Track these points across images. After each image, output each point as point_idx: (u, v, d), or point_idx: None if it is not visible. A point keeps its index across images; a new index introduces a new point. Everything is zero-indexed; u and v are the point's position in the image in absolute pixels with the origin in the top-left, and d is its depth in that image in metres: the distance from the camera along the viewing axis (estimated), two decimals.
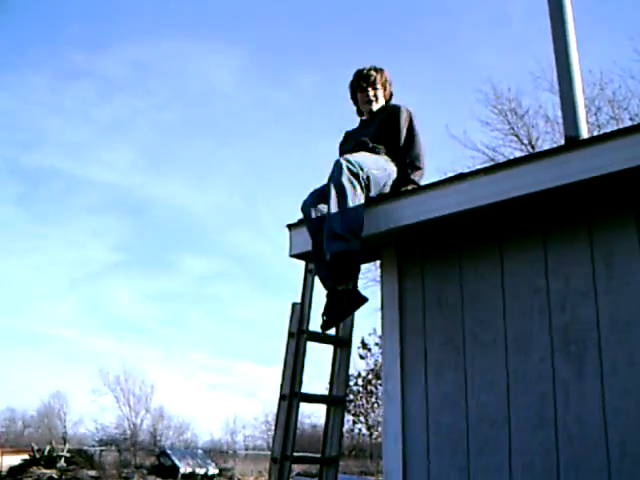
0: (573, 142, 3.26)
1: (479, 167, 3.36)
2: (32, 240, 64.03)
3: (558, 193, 3.03)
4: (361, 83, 4.18)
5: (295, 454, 3.77)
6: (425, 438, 3.37)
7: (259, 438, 49.59)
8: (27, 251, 64.62)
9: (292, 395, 3.74)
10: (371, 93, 4.17)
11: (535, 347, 3.13)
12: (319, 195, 3.75)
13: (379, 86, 4.19)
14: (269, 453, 3.91)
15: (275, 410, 3.82)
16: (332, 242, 3.42)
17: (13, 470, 24.02)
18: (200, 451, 31.27)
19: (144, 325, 69.58)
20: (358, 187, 3.53)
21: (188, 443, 44.31)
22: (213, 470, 28.15)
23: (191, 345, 68.59)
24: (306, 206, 3.77)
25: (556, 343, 3.08)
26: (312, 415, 41.94)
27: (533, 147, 17.83)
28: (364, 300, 3.53)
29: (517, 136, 18.06)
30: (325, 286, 3.58)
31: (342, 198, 3.48)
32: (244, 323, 70.01)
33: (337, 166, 3.57)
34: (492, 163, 3.16)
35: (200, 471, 28.25)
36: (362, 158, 3.69)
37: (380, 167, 3.74)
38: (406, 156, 3.91)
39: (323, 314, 3.48)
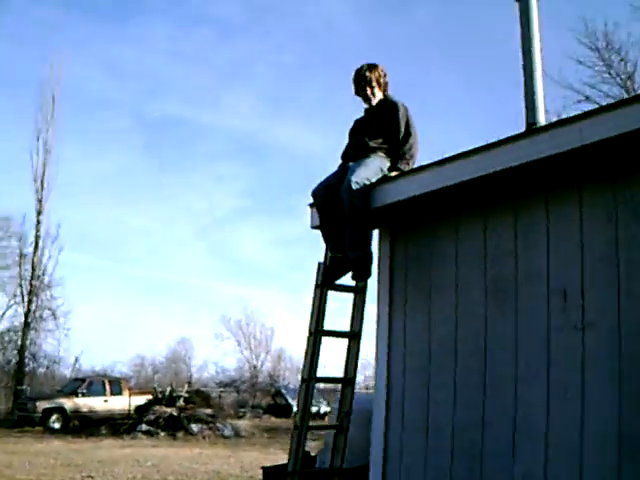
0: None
1: (433, 161, 4.55)
2: (159, 190, 67.18)
3: (492, 180, 4.26)
4: (360, 84, 5.47)
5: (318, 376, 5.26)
6: (402, 362, 4.78)
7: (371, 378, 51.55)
8: (154, 201, 67.86)
9: (316, 332, 5.20)
10: (368, 92, 5.46)
11: (474, 293, 4.44)
12: (325, 186, 5.12)
13: (374, 84, 5.46)
14: None
15: None
16: (352, 251, 4.84)
17: (139, 408, 26.99)
18: (315, 390, 33.62)
19: (267, 270, 72.36)
20: (365, 200, 4.85)
21: None
22: (325, 408, 30.11)
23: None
24: (316, 196, 5.16)
25: (488, 291, 4.37)
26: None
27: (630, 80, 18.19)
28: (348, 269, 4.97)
29: (610, 73, 18.52)
30: (330, 253, 5.02)
31: (355, 215, 4.84)
32: None
33: (349, 189, 4.87)
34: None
35: (313, 409, 30.37)
36: (365, 172, 4.97)
37: (377, 171, 5.03)
38: (400, 148, 5.19)
39: (323, 273, 4.93)
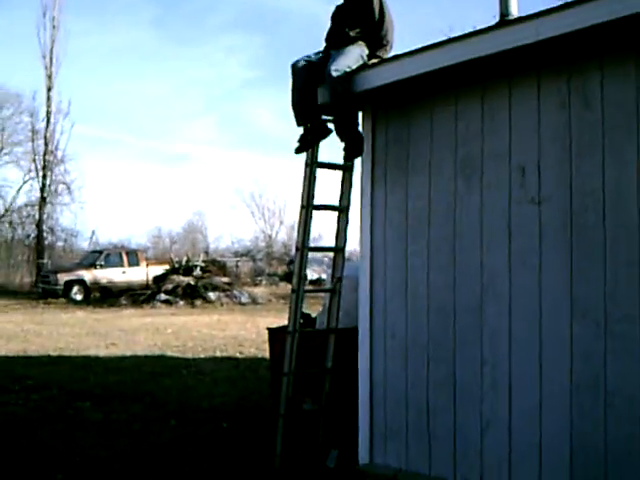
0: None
1: (409, 49, 4.99)
2: (169, 61, 66.83)
3: (463, 68, 4.72)
4: None
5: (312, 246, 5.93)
6: (383, 232, 5.42)
7: None
8: (165, 72, 67.77)
9: (308, 206, 5.81)
10: None
11: (446, 170, 5.02)
12: (306, 66, 5.62)
13: None
14: None
15: None
16: (342, 134, 5.50)
17: (157, 278, 28.15)
18: (326, 259, 34.47)
19: (279, 141, 72.65)
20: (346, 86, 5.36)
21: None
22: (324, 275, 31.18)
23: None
24: (295, 74, 5.66)
25: (458, 168, 4.93)
26: None
27: None
28: (327, 132, 5.58)
29: None
30: (297, 123, 5.68)
31: (337, 101, 5.39)
32: None
33: (330, 77, 5.33)
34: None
35: (325, 276, 31.44)
36: (345, 60, 5.41)
37: (357, 58, 5.47)
38: (376, 34, 5.62)
39: (297, 141, 5.55)
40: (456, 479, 4.90)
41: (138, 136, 68.98)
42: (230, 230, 79.12)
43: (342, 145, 5.55)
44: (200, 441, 6.86)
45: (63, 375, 10.62)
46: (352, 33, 5.67)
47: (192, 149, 73.20)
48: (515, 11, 5.07)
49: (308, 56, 5.77)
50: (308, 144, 5.71)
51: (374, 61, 5.48)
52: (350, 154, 5.58)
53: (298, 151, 5.75)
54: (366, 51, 5.56)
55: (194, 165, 73.11)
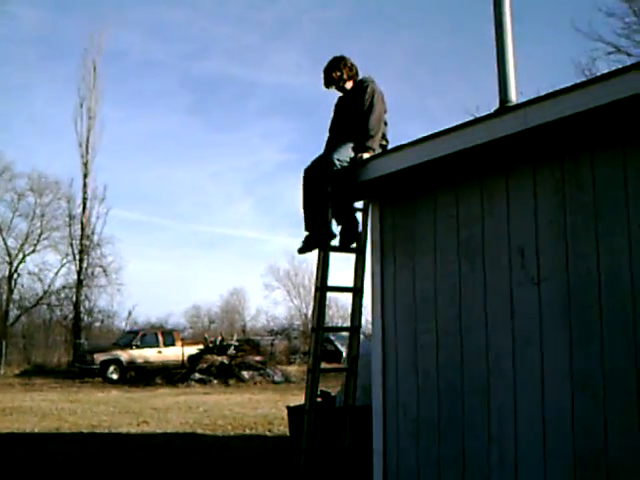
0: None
1: (410, 140, 5.30)
2: (207, 147, 68.69)
3: (463, 156, 5.00)
4: (329, 85, 6.39)
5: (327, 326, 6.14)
6: (393, 310, 5.63)
7: None
8: (201, 158, 69.46)
9: (322, 288, 6.06)
10: (339, 86, 6.39)
11: (450, 253, 5.25)
12: (307, 170, 6.02)
13: (345, 76, 6.32)
14: None
15: None
16: (338, 222, 6.06)
17: (192, 357, 28.46)
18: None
19: None
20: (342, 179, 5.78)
21: None
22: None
23: None
24: (305, 170, 6.01)
25: (461, 250, 5.16)
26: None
27: None
28: (332, 237, 6.01)
29: None
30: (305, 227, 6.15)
31: (335, 193, 5.85)
32: None
33: (327, 171, 5.81)
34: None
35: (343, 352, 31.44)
36: (346, 151, 5.88)
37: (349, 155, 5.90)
38: (363, 124, 5.98)
39: (302, 242, 6.13)
40: None
41: (176, 220, 70.56)
42: (266, 308, 79.72)
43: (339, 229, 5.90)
44: None
45: (92, 454, 10.79)
46: (347, 130, 6.09)
47: (230, 231, 74.68)
48: (514, 97, 5.33)
49: (316, 158, 6.14)
50: (311, 247, 6.10)
51: (367, 155, 5.79)
52: (346, 239, 5.96)
53: (301, 252, 6.13)
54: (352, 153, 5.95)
55: (232, 247, 74.37)
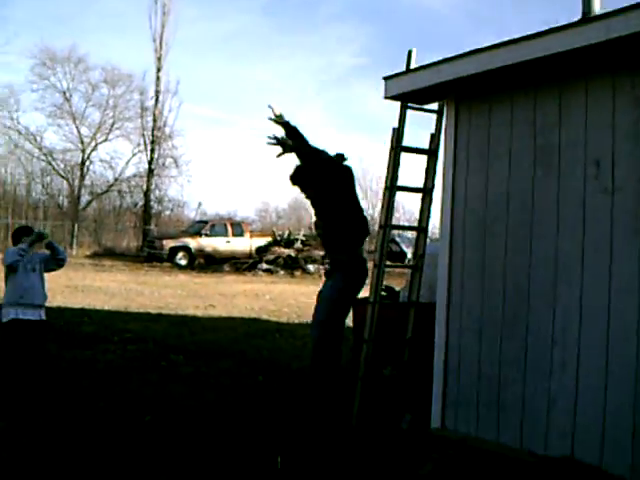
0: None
1: (491, 44, 5.25)
2: (280, 48, 67.90)
3: (542, 62, 5.00)
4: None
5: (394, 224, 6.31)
6: (463, 213, 5.76)
7: None
8: (276, 59, 68.88)
9: (392, 187, 6.21)
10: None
11: (525, 158, 5.32)
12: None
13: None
14: None
15: None
16: None
17: (259, 249, 29.18)
18: (411, 235, 34.77)
19: (385, 126, 73.07)
20: None
21: None
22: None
23: None
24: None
25: (537, 156, 5.23)
26: None
27: None
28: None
29: None
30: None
31: None
32: None
33: None
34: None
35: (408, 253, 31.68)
36: None
37: None
38: None
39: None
40: (522, 448, 5.25)
41: (245, 116, 70.64)
42: None
43: None
44: (286, 398, 7.37)
45: (160, 331, 11.38)
46: None
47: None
48: (598, 8, 5.21)
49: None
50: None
51: (461, 52, 5.80)
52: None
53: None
54: None
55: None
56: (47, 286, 7.53)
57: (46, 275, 7.51)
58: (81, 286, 17.86)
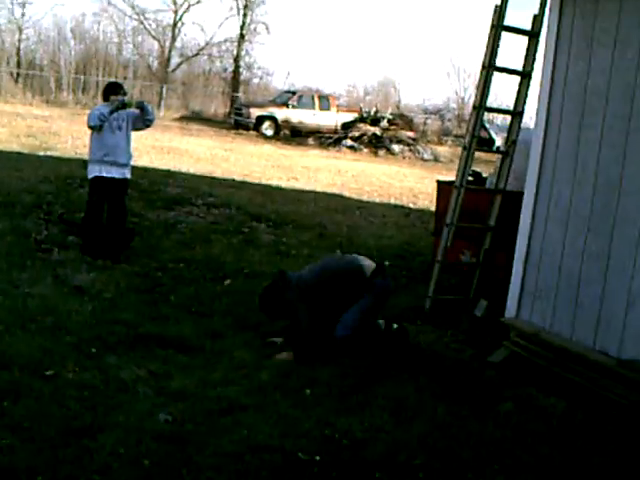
0: None
1: None
2: None
3: None
4: None
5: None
6: (561, 100, 5.55)
7: None
8: None
9: (489, 67, 6.00)
10: None
11: (630, 49, 5.03)
12: None
13: None
14: None
15: None
16: None
17: (345, 125, 28.90)
18: (498, 122, 34.06)
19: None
20: None
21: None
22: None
23: None
24: None
25: None
26: None
27: None
28: None
29: None
30: None
31: None
32: None
33: None
34: None
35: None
36: None
37: None
38: None
39: None
40: (595, 346, 5.21)
41: None
42: (423, 88, 78.64)
43: None
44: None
45: (243, 198, 11.56)
46: None
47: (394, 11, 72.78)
48: None
49: None
50: None
51: None
52: None
53: None
54: None
55: (393, 24, 72.61)
56: (133, 145, 7.64)
57: (132, 134, 7.59)
58: (167, 148, 18.07)
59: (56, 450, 3.49)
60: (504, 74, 6.29)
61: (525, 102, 6.22)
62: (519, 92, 6.25)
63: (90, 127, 7.28)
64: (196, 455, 3.61)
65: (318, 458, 3.71)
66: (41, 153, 13.94)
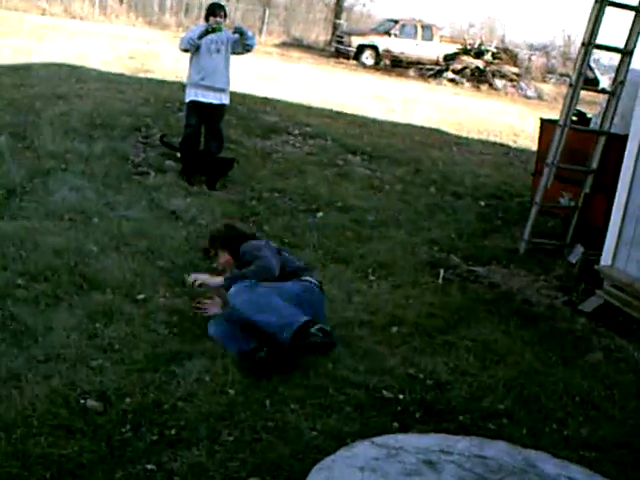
0: None
1: None
2: None
3: None
4: None
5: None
6: None
7: None
8: None
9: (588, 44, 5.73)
10: None
11: None
12: None
13: None
14: None
15: None
16: None
17: (447, 57, 28.22)
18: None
19: None
20: None
21: None
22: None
23: None
24: None
25: None
26: None
27: None
28: None
29: None
30: None
31: None
32: None
33: None
34: None
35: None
36: None
37: None
38: None
39: None
40: None
41: None
42: (529, 24, 76.08)
43: None
44: (452, 213, 7.36)
45: (339, 129, 11.42)
46: None
47: None
48: None
49: None
50: None
51: None
52: None
53: None
54: None
55: None
56: (232, 71, 7.60)
57: (232, 59, 7.55)
58: (267, 75, 18.02)
59: (144, 374, 3.58)
60: (617, 9, 5.97)
61: (637, 39, 5.90)
62: (632, 28, 5.93)
63: (182, 50, 7.30)
64: (281, 386, 3.66)
65: (402, 397, 3.72)
66: (142, 75, 14.07)
